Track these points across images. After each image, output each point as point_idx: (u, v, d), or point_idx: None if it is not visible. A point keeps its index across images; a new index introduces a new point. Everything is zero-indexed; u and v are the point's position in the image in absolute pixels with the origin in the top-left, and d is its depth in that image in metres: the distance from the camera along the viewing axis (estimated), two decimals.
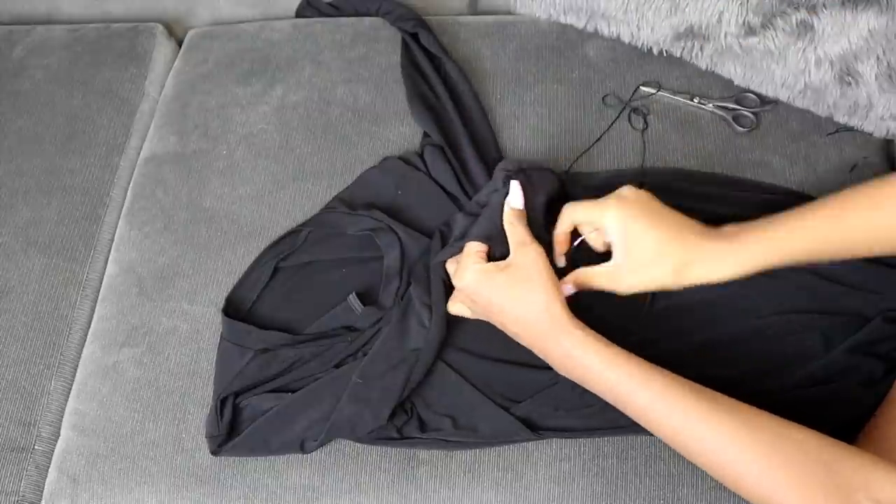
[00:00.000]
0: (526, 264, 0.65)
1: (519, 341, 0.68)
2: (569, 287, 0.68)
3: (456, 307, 0.73)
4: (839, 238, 0.64)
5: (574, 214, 0.70)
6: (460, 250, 0.72)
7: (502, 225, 0.70)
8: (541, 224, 0.73)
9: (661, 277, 0.65)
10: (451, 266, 0.73)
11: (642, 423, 0.62)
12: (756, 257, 0.64)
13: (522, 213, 0.71)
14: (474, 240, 0.70)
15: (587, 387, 0.64)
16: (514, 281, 0.65)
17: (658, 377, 0.61)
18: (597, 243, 0.71)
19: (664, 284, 0.65)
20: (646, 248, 0.65)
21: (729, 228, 0.66)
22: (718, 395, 0.60)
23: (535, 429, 0.72)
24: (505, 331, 0.68)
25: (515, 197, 0.71)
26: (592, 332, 0.63)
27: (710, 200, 0.80)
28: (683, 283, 0.65)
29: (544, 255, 0.66)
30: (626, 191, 0.67)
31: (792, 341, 0.72)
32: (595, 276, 0.67)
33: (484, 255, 0.69)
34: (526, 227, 0.69)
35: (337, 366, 0.76)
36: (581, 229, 0.71)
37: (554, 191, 0.76)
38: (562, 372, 0.65)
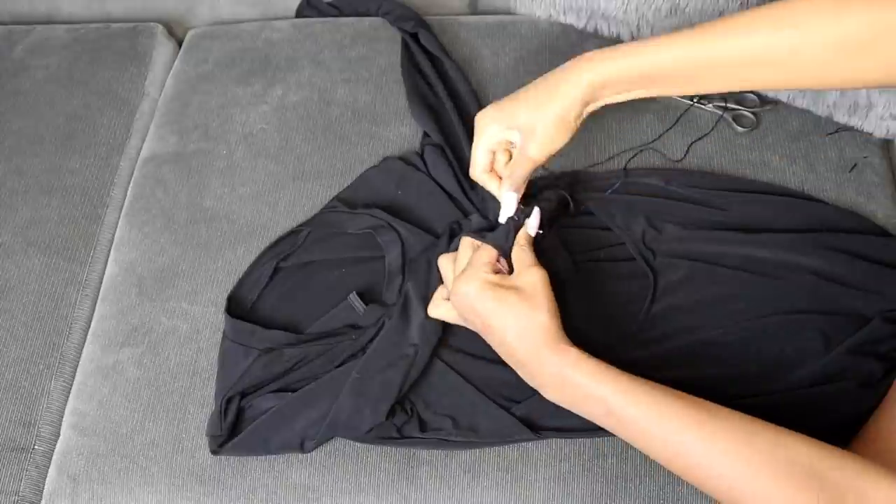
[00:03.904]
0: (530, 285, 0.66)
1: (508, 360, 0.67)
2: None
3: (440, 310, 0.72)
4: (709, 60, 0.64)
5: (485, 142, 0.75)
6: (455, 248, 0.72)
7: (512, 243, 0.71)
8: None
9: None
10: (445, 263, 0.72)
11: (635, 443, 0.61)
12: (630, 68, 0.66)
13: (532, 240, 0.71)
14: (488, 244, 0.70)
15: (578, 409, 0.64)
16: (516, 298, 0.66)
17: (648, 391, 0.60)
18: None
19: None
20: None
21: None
22: (708, 404, 0.59)
23: (535, 429, 0.72)
24: (495, 347, 0.68)
25: (533, 224, 0.72)
26: (586, 353, 0.64)
27: (709, 202, 0.81)
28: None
29: (547, 277, 0.67)
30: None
31: (792, 341, 0.72)
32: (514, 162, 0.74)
33: (494, 265, 0.69)
34: (533, 251, 0.70)
35: (340, 365, 0.76)
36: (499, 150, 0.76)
37: (554, 208, 0.78)
38: (551, 394, 0.65)
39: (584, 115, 0.70)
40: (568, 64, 0.69)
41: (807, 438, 0.56)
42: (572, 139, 0.71)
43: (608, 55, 0.67)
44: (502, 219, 0.73)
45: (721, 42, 0.63)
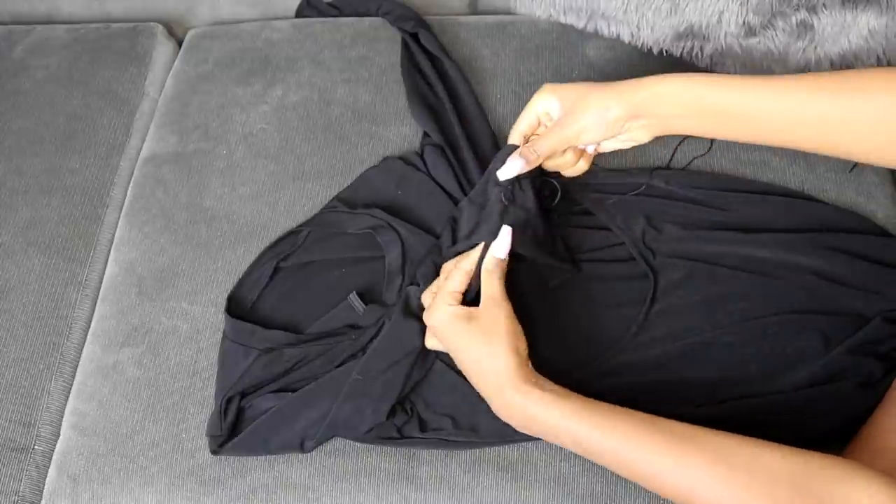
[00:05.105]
0: (492, 321, 0.66)
1: (480, 392, 0.67)
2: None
3: (432, 342, 0.72)
4: (783, 115, 0.62)
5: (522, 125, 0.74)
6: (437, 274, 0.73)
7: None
8: (531, 238, 0.73)
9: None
10: (426, 298, 0.73)
11: (615, 470, 0.61)
12: (690, 94, 0.65)
13: (502, 263, 0.70)
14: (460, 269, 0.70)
15: (547, 440, 0.64)
16: (478, 333, 0.66)
17: (623, 422, 0.60)
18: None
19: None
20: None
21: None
22: (683, 427, 0.59)
23: None
24: (466, 376, 0.68)
25: (501, 245, 0.70)
26: (553, 387, 0.63)
27: (709, 202, 0.81)
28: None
29: (512, 314, 0.66)
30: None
31: (792, 341, 0.72)
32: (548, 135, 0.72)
33: (459, 296, 0.69)
34: (502, 279, 0.69)
35: (340, 365, 0.76)
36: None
37: (547, 190, 0.77)
38: (521, 430, 0.65)
39: (632, 125, 0.69)
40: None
41: (787, 450, 0.56)
42: (614, 149, 0.72)
43: (674, 77, 0.66)
44: (498, 174, 0.72)
45: (807, 101, 0.60)
